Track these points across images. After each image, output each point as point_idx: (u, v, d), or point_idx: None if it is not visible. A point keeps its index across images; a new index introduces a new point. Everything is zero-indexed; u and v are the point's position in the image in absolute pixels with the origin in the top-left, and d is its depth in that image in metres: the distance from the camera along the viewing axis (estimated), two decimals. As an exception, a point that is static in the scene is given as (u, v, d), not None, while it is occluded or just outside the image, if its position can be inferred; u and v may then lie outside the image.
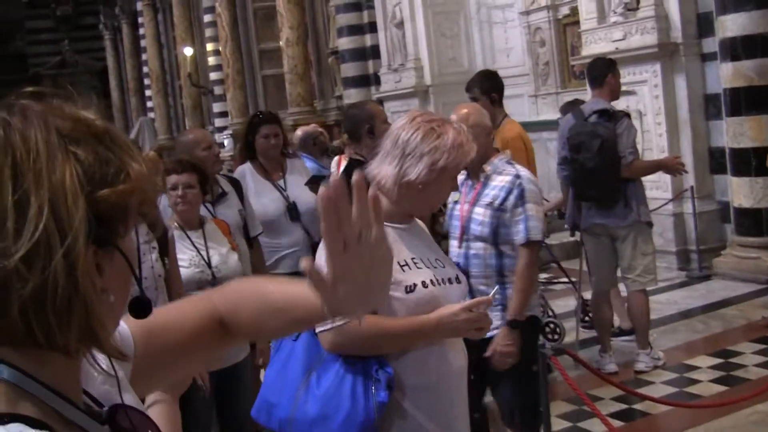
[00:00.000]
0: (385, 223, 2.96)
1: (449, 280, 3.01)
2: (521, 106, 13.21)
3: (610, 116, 6.96)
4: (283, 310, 1.64)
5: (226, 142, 22.25)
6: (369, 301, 1.43)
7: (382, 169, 2.94)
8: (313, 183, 6.34)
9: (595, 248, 7.14)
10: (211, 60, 26.18)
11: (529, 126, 9.39)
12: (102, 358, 1.33)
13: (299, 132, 9.32)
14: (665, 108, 10.57)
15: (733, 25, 9.64)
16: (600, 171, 6.81)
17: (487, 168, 4.60)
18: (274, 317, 1.66)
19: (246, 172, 6.38)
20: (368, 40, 17.77)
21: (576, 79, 12.71)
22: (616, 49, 10.78)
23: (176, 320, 1.65)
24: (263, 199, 6.22)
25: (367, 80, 18.05)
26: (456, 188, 6.42)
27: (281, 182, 6.33)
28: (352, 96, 17.64)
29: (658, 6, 10.66)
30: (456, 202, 4.76)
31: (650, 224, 7.26)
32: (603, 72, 7.24)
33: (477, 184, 4.65)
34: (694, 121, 10.66)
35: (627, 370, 7.18)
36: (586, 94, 11.01)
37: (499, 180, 4.57)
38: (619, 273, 7.29)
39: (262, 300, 1.68)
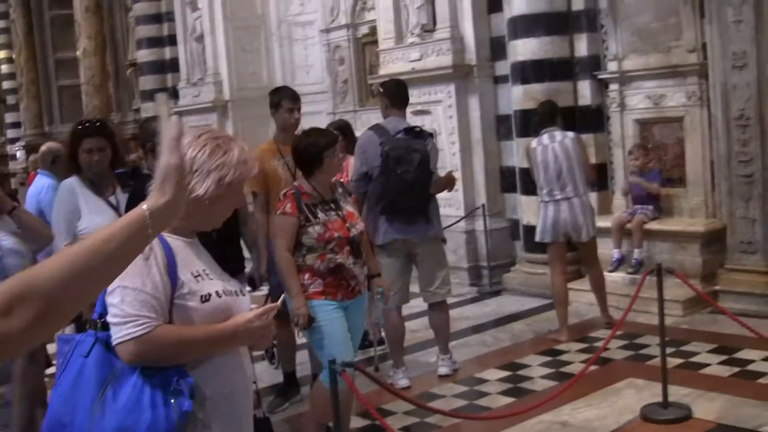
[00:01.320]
0: (175, 237, 2.87)
1: (235, 292, 2.99)
2: (320, 123, 13.05)
3: (418, 134, 7.05)
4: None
5: (18, 154, 21.25)
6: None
7: None
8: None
9: (392, 265, 7.07)
10: (4, 68, 25.00)
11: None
12: None
13: (43, 147, 8.89)
14: (459, 128, 10.72)
15: (523, 49, 9.87)
16: (418, 184, 6.94)
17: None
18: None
19: (74, 186, 5.63)
20: (168, 52, 17.33)
21: (374, 98, 12.70)
22: (413, 69, 10.87)
23: None
24: (97, 218, 5.49)
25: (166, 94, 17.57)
26: (243, 203, 6.34)
27: (113, 199, 5.70)
28: (149, 110, 17.14)
29: (453, 28, 10.81)
30: None
31: (445, 240, 7.42)
32: (406, 92, 7.40)
33: None
34: (486, 141, 10.87)
35: (421, 383, 7.21)
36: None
37: None
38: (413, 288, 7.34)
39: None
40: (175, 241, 2.87)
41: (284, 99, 6.95)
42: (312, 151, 5.40)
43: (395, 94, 7.36)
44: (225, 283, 2.96)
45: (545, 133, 8.19)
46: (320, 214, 5.33)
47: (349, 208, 5.50)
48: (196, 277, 2.87)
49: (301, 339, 6.56)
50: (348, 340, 5.38)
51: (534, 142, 8.24)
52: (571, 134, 8.20)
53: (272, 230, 5.50)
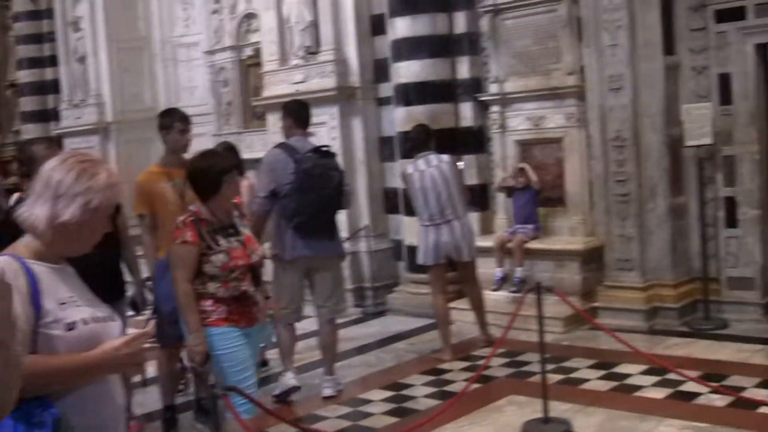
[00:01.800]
0: (40, 263, 2.73)
1: (105, 318, 2.88)
2: (204, 145, 12.84)
3: (326, 154, 7.17)
4: None
5: None
6: None
7: (35, 210, 2.82)
8: None
9: (293, 281, 7.13)
10: None
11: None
12: None
13: None
14: (343, 149, 10.65)
15: (406, 71, 9.91)
16: (335, 202, 7.13)
17: None
18: None
19: None
20: (49, 73, 16.91)
21: (258, 120, 12.58)
22: (297, 91, 10.79)
23: None
24: None
25: (47, 115, 17.14)
26: (124, 226, 6.17)
27: None
28: (30, 131, 16.69)
29: (337, 51, 10.81)
30: None
31: (344, 257, 7.61)
32: (308, 113, 7.48)
33: None
34: (369, 163, 10.88)
35: (305, 404, 7.16)
36: (266, 133, 11.10)
37: None
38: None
39: None
40: (39, 268, 2.74)
41: (176, 120, 6.81)
42: (210, 175, 5.12)
43: (299, 114, 7.43)
44: (94, 309, 2.85)
45: (420, 157, 8.20)
46: (222, 241, 5.08)
47: (246, 231, 5.30)
48: (61, 304, 2.75)
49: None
50: (250, 368, 5.22)
51: (410, 168, 8.26)
52: (446, 158, 8.21)
53: (172, 260, 5.25)
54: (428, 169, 8.09)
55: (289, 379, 7.14)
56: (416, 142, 8.35)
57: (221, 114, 13.48)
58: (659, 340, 8.11)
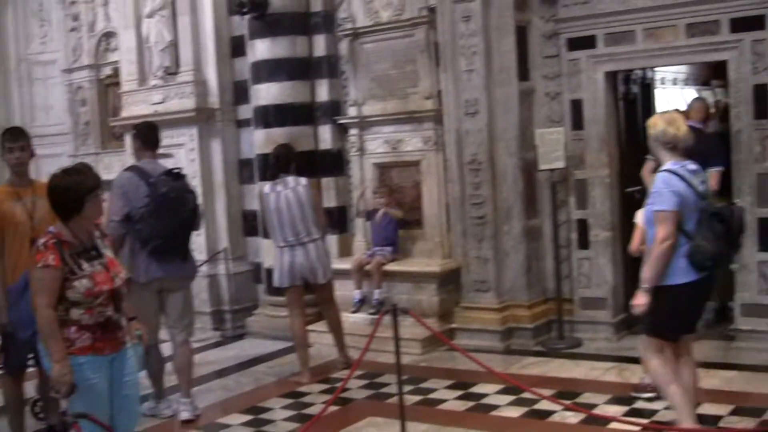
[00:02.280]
0: None
1: None
2: (61, 165, 12.49)
3: (178, 176, 7.05)
4: None
5: None
6: None
7: None
8: None
9: (150, 303, 7.05)
10: None
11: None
12: None
13: None
14: (201, 171, 10.55)
15: (266, 93, 9.83)
16: (191, 224, 7.08)
17: None
18: None
19: None
20: None
21: (117, 140, 12.26)
22: (155, 111, 10.62)
23: None
24: None
25: None
26: None
27: None
28: None
29: (196, 72, 10.67)
30: None
31: (194, 278, 7.50)
32: (158, 135, 7.38)
33: None
34: (228, 185, 10.76)
35: (162, 429, 7.07)
36: (124, 154, 10.84)
37: None
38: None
39: None
40: None
41: (6, 140, 6.60)
42: (73, 194, 4.80)
43: (147, 136, 7.33)
44: None
45: (279, 178, 8.14)
46: (85, 265, 4.79)
47: (108, 253, 5.03)
48: None
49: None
50: (105, 398, 4.95)
51: (267, 188, 8.18)
52: (303, 180, 8.17)
53: (33, 285, 4.93)
54: (285, 191, 8.04)
55: (164, 409, 7.23)
56: (278, 162, 8.26)
57: (79, 134, 13.06)
58: (515, 360, 8.20)
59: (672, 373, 5.65)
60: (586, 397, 6.92)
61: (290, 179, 8.11)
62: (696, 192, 5.48)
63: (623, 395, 6.89)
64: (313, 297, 8.69)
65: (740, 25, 7.71)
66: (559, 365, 7.88)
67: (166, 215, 6.83)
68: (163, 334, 7.37)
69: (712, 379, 6.96)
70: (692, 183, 5.49)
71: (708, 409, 6.31)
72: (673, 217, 5.41)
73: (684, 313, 5.67)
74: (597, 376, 7.53)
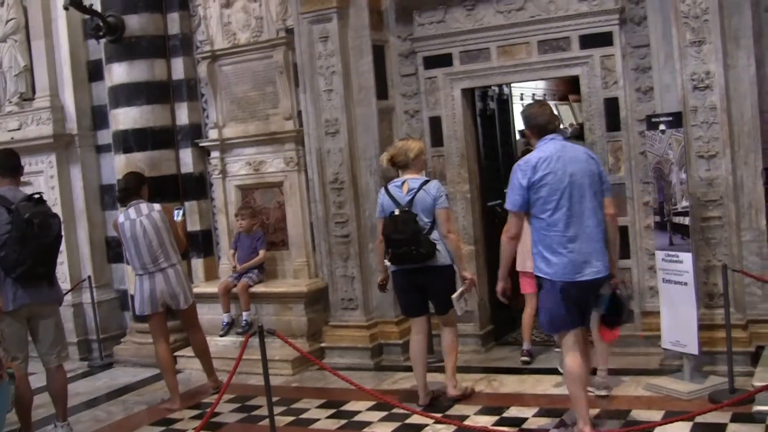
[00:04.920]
0: None
1: None
2: None
3: (39, 201, 6.91)
4: None
5: None
6: None
7: None
8: None
9: (19, 330, 6.87)
10: None
11: None
12: None
13: None
14: (62, 198, 10.30)
15: (125, 118, 9.62)
16: (55, 249, 6.97)
17: None
18: None
19: None
20: None
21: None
22: (12, 138, 10.34)
23: None
24: None
25: None
26: None
27: None
28: None
29: (53, 97, 10.40)
30: None
31: (61, 302, 7.39)
32: (16, 161, 7.23)
33: None
34: (90, 212, 10.51)
35: None
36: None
37: None
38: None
39: None
40: None
41: None
42: None
43: (5, 163, 7.13)
44: None
45: (131, 206, 7.93)
46: None
47: None
48: None
49: None
50: None
51: (121, 217, 7.98)
52: (157, 206, 7.99)
53: None
54: (139, 218, 7.84)
55: None
56: (127, 190, 8.04)
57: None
58: (386, 376, 8.20)
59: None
60: (457, 409, 6.97)
61: (144, 206, 7.92)
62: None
63: (493, 406, 6.97)
64: (177, 323, 8.52)
65: (590, 41, 7.91)
66: (430, 379, 7.90)
67: (30, 241, 6.69)
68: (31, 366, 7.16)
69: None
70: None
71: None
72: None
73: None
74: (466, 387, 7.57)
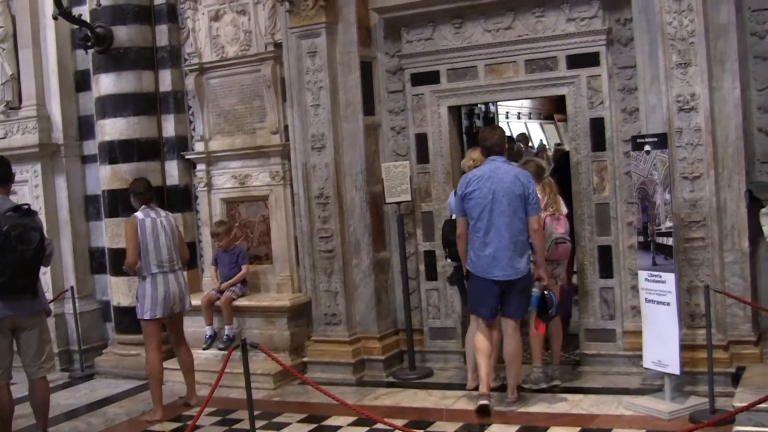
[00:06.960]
0: None
1: None
2: None
3: (27, 212, 6.80)
4: None
5: None
6: None
7: None
8: None
9: (2, 342, 6.77)
10: None
11: None
12: None
13: None
14: (46, 208, 10.22)
15: (111, 129, 9.57)
16: (36, 262, 6.80)
17: None
18: None
19: None
20: None
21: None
22: (-4, 147, 10.20)
23: None
24: None
25: None
26: None
27: None
28: None
29: (40, 107, 10.35)
30: None
31: (49, 313, 7.30)
32: (9, 169, 7.09)
33: None
34: (74, 222, 10.44)
35: None
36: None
37: None
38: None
39: None
40: None
41: None
42: None
43: None
44: None
45: (148, 207, 8.01)
46: None
47: None
48: None
49: None
50: None
51: (140, 214, 7.98)
52: (168, 213, 8.19)
53: None
54: (158, 218, 7.97)
55: None
56: (150, 191, 8.16)
57: None
58: (368, 392, 8.16)
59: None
60: (438, 426, 6.95)
61: (159, 209, 8.10)
62: None
63: (474, 423, 6.95)
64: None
65: (577, 61, 7.94)
66: (411, 395, 7.87)
67: (10, 253, 6.57)
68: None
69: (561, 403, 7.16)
70: None
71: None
72: None
73: None
74: (448, 404, 7.54)
